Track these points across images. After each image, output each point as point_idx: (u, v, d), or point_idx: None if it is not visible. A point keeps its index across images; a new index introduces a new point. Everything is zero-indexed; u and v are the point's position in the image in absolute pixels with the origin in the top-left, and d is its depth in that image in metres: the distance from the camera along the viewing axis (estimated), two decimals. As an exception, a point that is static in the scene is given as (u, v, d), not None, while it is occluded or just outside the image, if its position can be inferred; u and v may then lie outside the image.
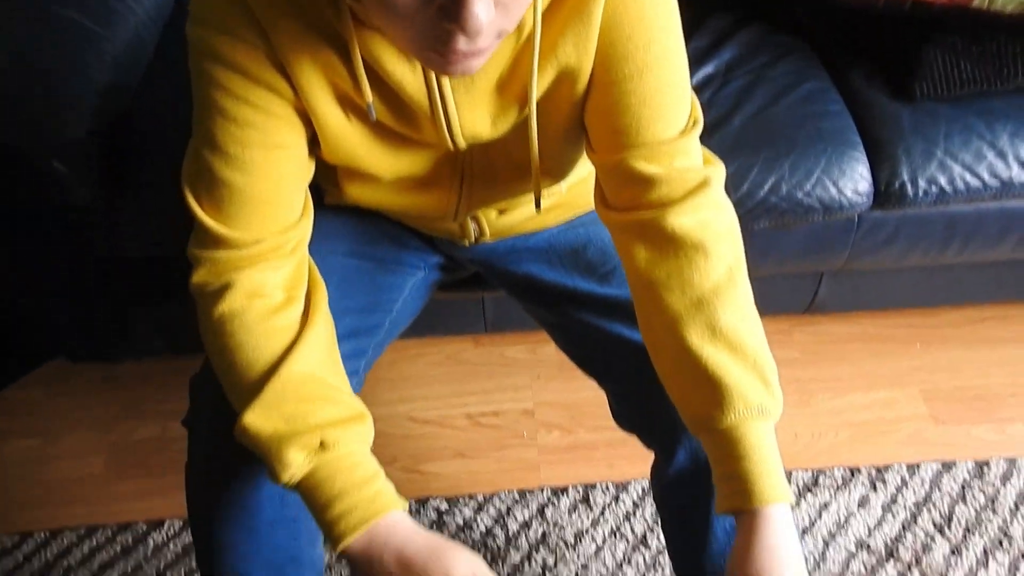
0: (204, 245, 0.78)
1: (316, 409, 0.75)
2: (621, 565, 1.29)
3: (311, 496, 0.74)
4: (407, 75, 0.75)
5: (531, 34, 0.73)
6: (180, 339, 1.42)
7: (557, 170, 0.91)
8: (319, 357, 0.79)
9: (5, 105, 1.05)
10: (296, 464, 0.73)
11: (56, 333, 1.46)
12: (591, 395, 1.45)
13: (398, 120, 0.80)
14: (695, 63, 1.28)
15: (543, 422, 1.47)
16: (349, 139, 0.81)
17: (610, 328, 0.94)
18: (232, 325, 0.77)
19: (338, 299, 0.89)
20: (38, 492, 1.39)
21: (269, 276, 0.78)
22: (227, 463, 0.85)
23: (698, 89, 1.24)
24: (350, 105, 0.78)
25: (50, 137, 1.07)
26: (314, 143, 0.81)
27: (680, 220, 0.77)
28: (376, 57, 0.73)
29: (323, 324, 0.81)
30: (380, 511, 0.73)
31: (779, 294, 1.42)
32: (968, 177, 1.19)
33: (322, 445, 0.74)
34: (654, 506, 1.33)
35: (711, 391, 0.74)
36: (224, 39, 0.71)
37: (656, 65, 0.75)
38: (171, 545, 1.30)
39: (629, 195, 0.79)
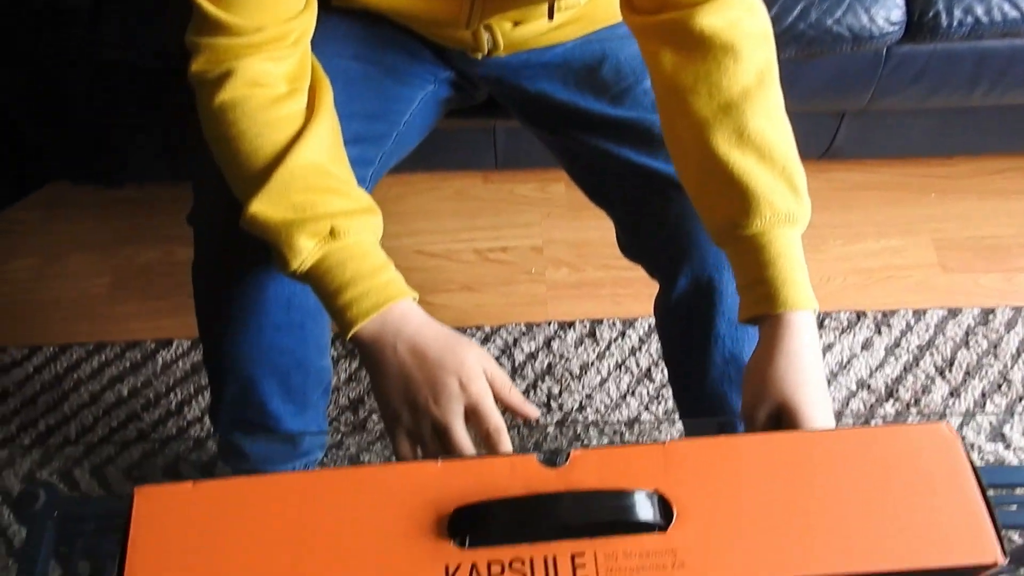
0: (202, 32, 0.74)
1: (325, 199, 0.72)
2: (625, 396, 1.31)
3: (322, 283, 0.72)
4: None
5: None
6: (182, 164, 1.40)
7: None
8: (326, 148, 0.76)
9: None
10: (307, 250, 0.71)
11: (56, 155, 1.43)
12: (600, 234, 1.45)
13: None
14: None
15: (551, 259, 1.46)
16: None
17: (619, 153, 0.91)
18: (234, 114, 0.73)
19: (343, 103, 0.86)
20: (43, 310, 1.39)
21: (271, 66, 0.74)
22: (232, 261, 0.83)
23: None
24: None
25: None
26: None
27: (709, 20, 0.73)
28: None
29: (328, 117, 0.77)
30: (393, 297, 0.71)
31: (797, 136, 1.38)
32: (1007, 7, 1.14)
33: (332, 233, 0.71)
34: (659, 343, 1.34)
35: (738, 197, 0.72)
36: None
37: None
38: (180, 363, 1.31)
39: None
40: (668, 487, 0.50)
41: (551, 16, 0.85)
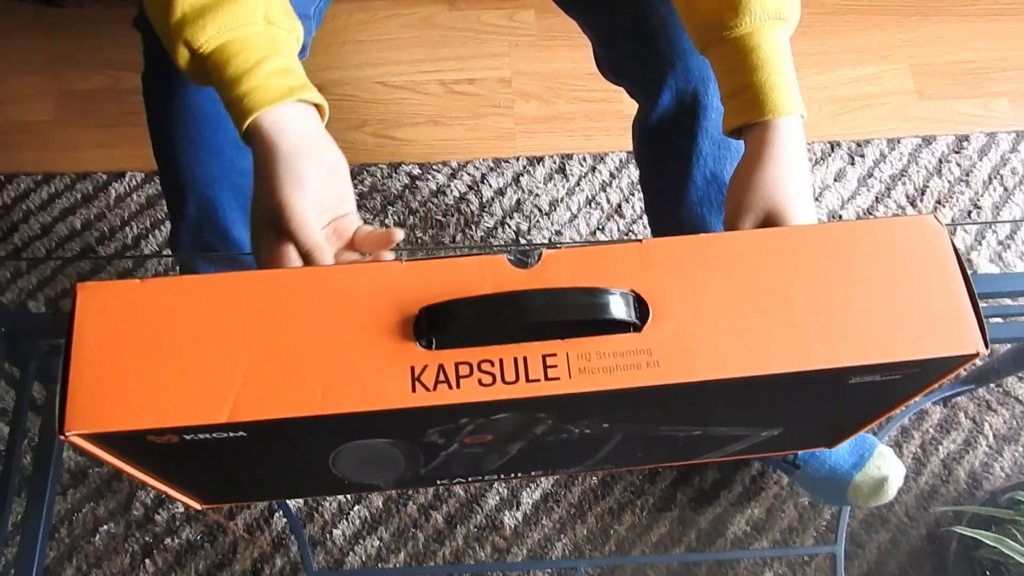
0: None
1: None
2: (595, 232, 1.27)
3: (229, 64, 0.61)
4: None
5: None
6: None
7: None
8: None
9: None
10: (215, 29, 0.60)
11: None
12: (571, 65, 1.38)
13: None
14: None
15: (520, 91, 1.39)
16: None
17: None
18: None
19: None
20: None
21: None
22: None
23: None
24: None
25: None
26: None
27: None
28: None
29: None
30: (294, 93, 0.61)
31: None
32: None
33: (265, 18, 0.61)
34: (631, 178, 1.30)
35: None
36: None
37: None
38: (134, 196, 1.25)
39: None
40: (645, 286, 0.47)
41: None
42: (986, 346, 0.45)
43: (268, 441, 0.47)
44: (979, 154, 1.32)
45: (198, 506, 0.61)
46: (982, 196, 1.29)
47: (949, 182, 1.30)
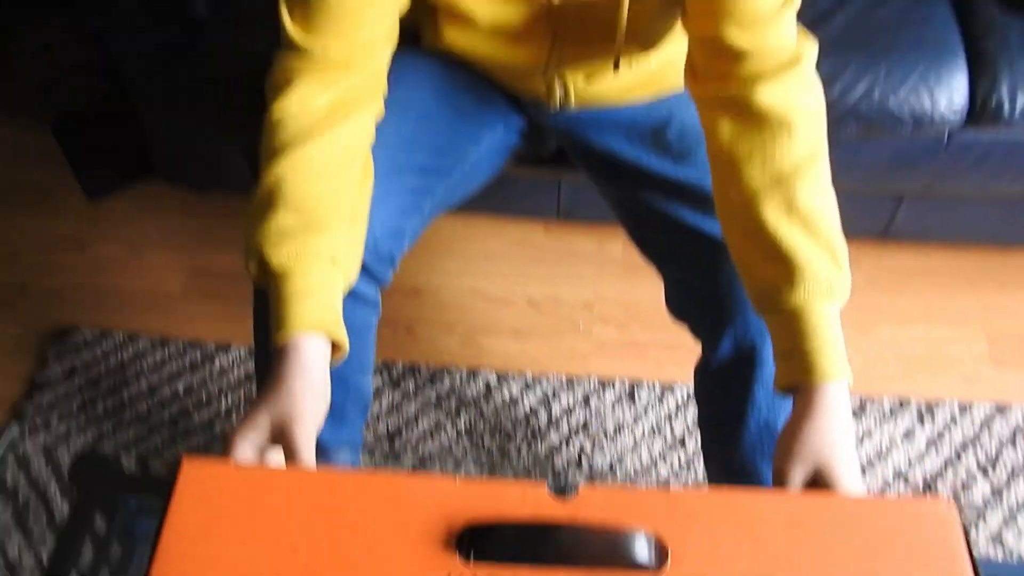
0: (280, 44, 0.79)
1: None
2: (656, 462, 1.30)
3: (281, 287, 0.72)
4: None
5: None
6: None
7: (645, 36, 0.90)
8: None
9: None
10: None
11: (153, 151, 1.52)
12: (651, 297, 1.45)
13: None
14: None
15: (600, 315, 1.47)
16: None
17: (676, 212, 0.94)
18: (275, 130, 0.77)
19: (415, 133, 0.91)
20: (118, 297, 1.47)
21: (316, 92, 0.78)
22: None
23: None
24: None
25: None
26: None
27: (768, 96, 0.76)
28: None
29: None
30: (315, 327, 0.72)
31: (855, 216, 1.37)
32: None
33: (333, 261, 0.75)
34: (696, 412, 1.34)
35: (782, 267, 0.74)
36: None
37: None
38: (236, 369, 1.36)
39: (719, 67, 0.79)
40: (667, 531, 0.51)
41: (616, 66, 0.89)
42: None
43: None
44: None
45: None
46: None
47: None
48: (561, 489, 0.53)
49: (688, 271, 0.94)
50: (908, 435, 1.32)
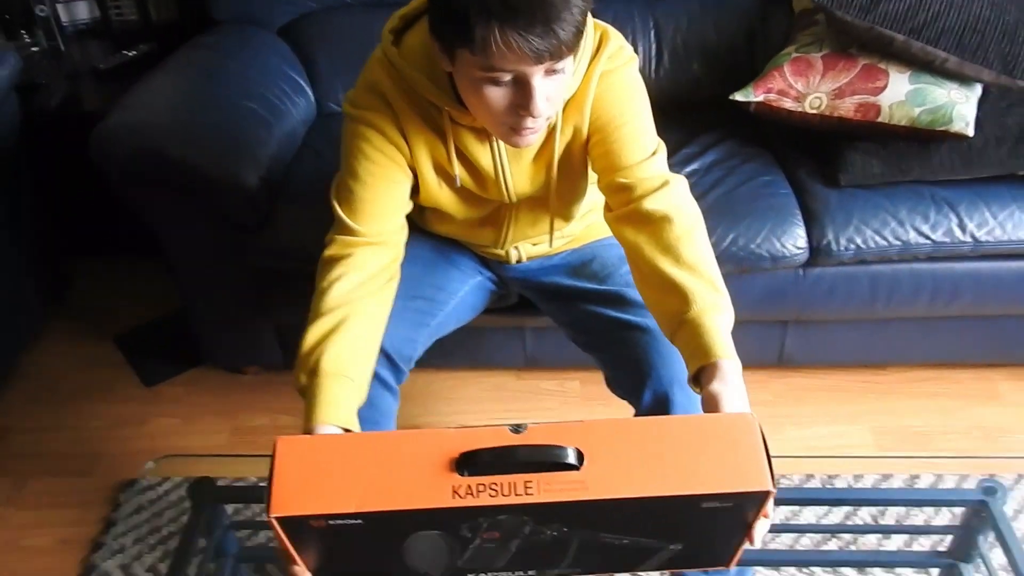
0: (337, 231, 1.17)
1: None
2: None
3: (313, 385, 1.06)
4: (483, 155, 1.18)
5: (554, 124, 1.15)
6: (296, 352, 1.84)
7: (565, 211, 1.31)
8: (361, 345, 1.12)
9: (211, 156, 1.54)
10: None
11: (201, 342, 1.90)
12: (603, 415, 1.80)
13: (474, 183, 1.22)
14: (685, 163, 1.71)
15: (565, 438, 1.80)
16: (439, 193, 1.23)
17: (605, 312, 1.30)
18: (337, 273, 1.12)
19: (420, 274, 1.31)
20: (176, 452, 1.78)
21: (372, 256, 1.16)
22: None
23: (687, 176, 1.66)
24: (442, 173, 1.20)
25: (236, 178, 1.54)
26: (414, 191, 1.22)
27: (649, 204, 1.12)
28: (463, 144, 1.16)
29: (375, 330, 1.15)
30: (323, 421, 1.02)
31: (753, 344, 1.76)
32: (877, 239, 1.57)
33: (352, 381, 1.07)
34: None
35: (680, 295, 1.05)
36: (371, 113, 1.14)
37: (628, 118, 1.16)
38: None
39: (619, 199, 1.16)
40: (584, 446, 0.83)
41: (551, 244, 1.32)
42: (774, 484, 0.80)
43: (371, 528, 0.83)
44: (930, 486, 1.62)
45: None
46: (933, 519, 1.57)
47: (896, 518, 1.59)
48: (516, 428, 0.86)
49: (615, 352, 1.28)
50: (801, 512, 1.61)
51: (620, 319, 1.28)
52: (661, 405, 1.18)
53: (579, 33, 0.94)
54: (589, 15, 0.99)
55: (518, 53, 0.92)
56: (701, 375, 1.01)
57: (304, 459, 0.84)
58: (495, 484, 0.81)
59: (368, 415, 1.15)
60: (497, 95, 0.99)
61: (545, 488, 0.81)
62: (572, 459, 0.82)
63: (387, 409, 1.24)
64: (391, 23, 1.15)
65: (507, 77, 0.97)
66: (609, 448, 0.83)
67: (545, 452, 0.83)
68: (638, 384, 1.22)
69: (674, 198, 1.14)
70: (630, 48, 1.17)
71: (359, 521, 0.82)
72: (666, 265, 1.08)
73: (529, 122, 1.02)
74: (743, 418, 0.86)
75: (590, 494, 0.81)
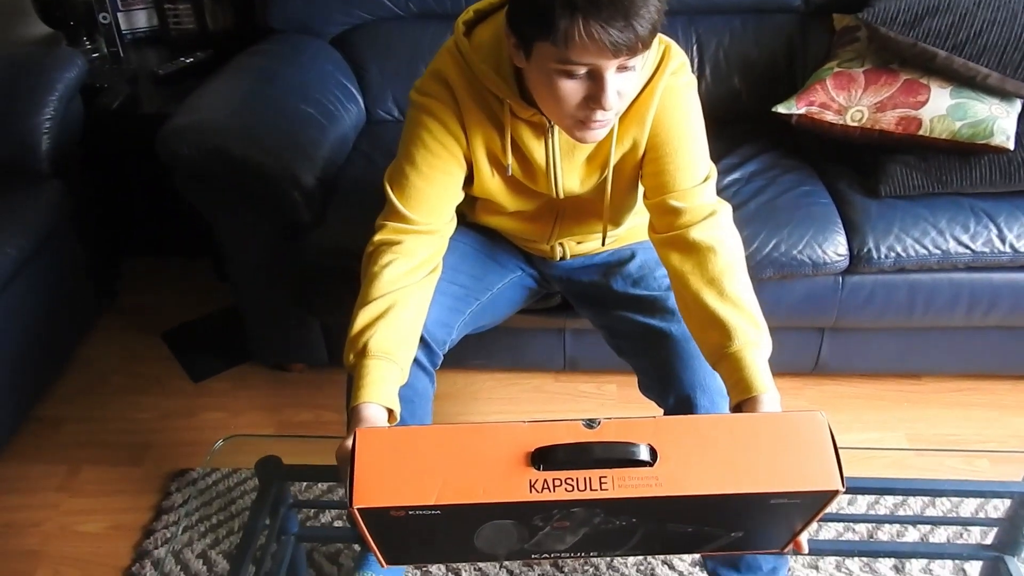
0: (389, 218, 1.18)
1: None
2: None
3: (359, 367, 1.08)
4: (538, 149, 1.19)
5: (612, 129, 1.15)
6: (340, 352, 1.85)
7: (617, 218, 1.32)
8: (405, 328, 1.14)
9: (272, 155, 1.55)
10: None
11: (249, 338, 1.91)
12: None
13: (525, 175, 1.23)
14: (727, 172, 1.71)
15: (603, 439, 1.80)
16: (491, 183, 1.24)
17: (635, 318, 1.31)
18: (387, 259, 1.14)
19: (459, 264, 1.32)
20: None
21: (421, 245, 1.17)
22: None
23: (728, 186, 1.67)
24: (495, 163, 1.21)
25: (294, 177, 1.56)
26: (467, 181, 1.23)
27: (696, 234, 1.15)
28: (520, 136, 1.17)
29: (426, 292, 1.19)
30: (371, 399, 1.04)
31: (790, 351, 1.76)
32: (917, 247, 1.56)
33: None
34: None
35: (723, 330, 1.08)
36: (435, 102, 1.16)
37: (686, 141, 1.17)
38: (317, 487, 1.67)
39: (667, 222, 1.18)
40: (657, 442, 0.84)
41: (603, 243, 1.32)
42: (843, 484, 0.80)
43: (448, 517, 0.83)
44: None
45: (384, 564, 0.93)
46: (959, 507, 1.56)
47: (942, 511, 1.59)
48: (590, 424, 0.86)
49: (644, 357, 1.30)
50: (851, 502, 1.61)
51: (648, 325, 1.29)
52: (684, 409, 1.20)
53: (654, 31, 0.97)
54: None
55: (599, 45, 0.94)
56: (743, 407, 1.04)
57: (383, 451, 0.84)
58: (571, 479, 0.82)
59: (406, 394, 1.16)
60: (571, 88, 1.01)
61: (619, 484, 0.81)
62: (645, 456, 0.82)
63: (423, 390, 1.25)
64: (465, 15, 1.16)
65: (582, 71, 0.99)
66: (681, 445, 0.83)
67: (620, 449, 0.83)
68: (664, 387, 1.24)
69: (719, 230, 1.16)
70: (690, 68, 1.18)
71: (438, 512, 0.82)
72: (710, 299, 1.11)
73: (599, 115, 1.03)
74: (813, 417, 0.86)
75: (663, 491, 0.81)
